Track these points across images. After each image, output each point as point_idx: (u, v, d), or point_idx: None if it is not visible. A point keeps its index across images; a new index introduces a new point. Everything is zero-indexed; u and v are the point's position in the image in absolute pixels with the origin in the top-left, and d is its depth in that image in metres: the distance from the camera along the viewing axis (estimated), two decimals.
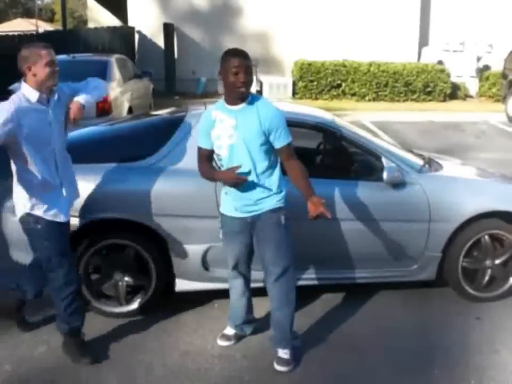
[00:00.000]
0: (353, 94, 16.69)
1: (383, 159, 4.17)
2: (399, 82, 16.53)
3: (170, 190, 4.01)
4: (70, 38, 14.85)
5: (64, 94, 3.53)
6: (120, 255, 4.06)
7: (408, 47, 17.70)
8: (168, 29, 17.06)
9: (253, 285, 3.80)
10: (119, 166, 4.05)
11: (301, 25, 17.27)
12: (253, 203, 3.43)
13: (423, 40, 18.38)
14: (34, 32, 17.18)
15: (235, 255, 3.63)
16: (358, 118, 12.77)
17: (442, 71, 16.69)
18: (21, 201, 3.42)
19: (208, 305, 4.35)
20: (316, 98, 16.63)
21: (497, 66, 16.52)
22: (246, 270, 3.70)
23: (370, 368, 3.61)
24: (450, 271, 4.38)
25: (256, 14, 17.58)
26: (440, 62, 17.36)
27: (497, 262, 4.41)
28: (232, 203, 3.50)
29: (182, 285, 4.17)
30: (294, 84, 16.88)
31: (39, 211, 3.41)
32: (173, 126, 4.25)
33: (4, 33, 15.12)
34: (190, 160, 3.86)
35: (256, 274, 3.73)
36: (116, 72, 10.64)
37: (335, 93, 16.74)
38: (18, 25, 41.60)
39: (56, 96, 3.44)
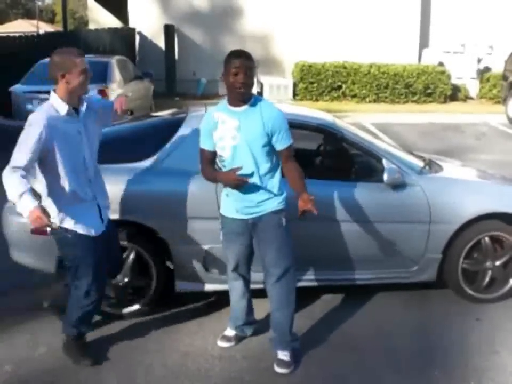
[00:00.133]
0: (354, 96, 16.69)
1: (384, 161, 4.17)
2: (399, 84, 16.52)
3: (170, 191, 4.02)
4: (70, 39, 14.85)
5: (92, 103, 3.49)
6: None
7: (409, 48, 17.69)
8: (169, 30, 17.07)
9: (252, 286, 3.81)
10: (120, 167, 4.06)
11: (302, 26, 17.28)
12: (254, 205, 3.44)
13: (424, 42, 18.38)
14: (35, 33, 17.16)
15: (235, 256, 3.63)
16: (359, 119, 12.77)
17: (443, 72, 16.68)
18: (52, 214, 3.30)
19: (209, 306, 4.35)
20: (317, 100, 16.62)
21: (497, 67, 16.51)
22: (246, 271, 3.71)
23: (370, 369, 3.62)
24: (451, 272, 4.38)
25: (256, 15, 17.58)
26: (440, 64, 17.35)
27: (497, 263, 4.41)
28: (233, 205, 3.50)
29: (182, 286, 4.18)
30: (295, 85, 16.88)
31: (69, 224, 3.36)
32: (173, 127, 4.26)
33: (4, 34, 15.13)
34: (190, 162, 3.86)
35: (256, 275, 3.74)
36: (116, 74, 10.66)
37: (335, 95, 16.73)
38: (19, 26, 41.58)
39: (85, 106, 3.39)
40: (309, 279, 4.27)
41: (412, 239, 4.27)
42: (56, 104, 3.30)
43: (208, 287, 4.21)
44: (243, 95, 3.35)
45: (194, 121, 4.13)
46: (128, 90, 10.49)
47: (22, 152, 3.16)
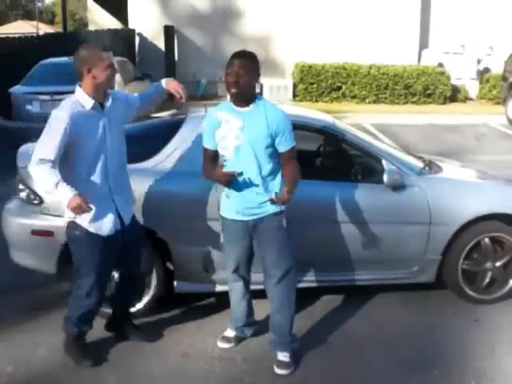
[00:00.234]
0: (354, 97, 16.69)
1: (384, 162, 4.17)
2: (399, 84, 16.52)
3: (170, 192, 4.01)
4: (70, 40, 14.86)
5: (118, 99, 3.45)
6: None
7: (408, 49, 17.70)
8: (169, 31, 17.09)
9: (252, 287, 3.81)
10: None
11: (302, 27, 17.28)
12: (256, 206, 3.43)
13: (423, 43, 18.39)
14: (34, 34, 17.18)
15: (235, 257, 3.63)
16: (358, 120, 12.76)
17: (443, 73, 16.68)
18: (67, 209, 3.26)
19: (208, 307, 4.35)
20: (316, 101, 16.62)
21: (497, 68, 16.52)
22: (246, 272, 3.70)
23: (369, 369, 3.62)
24: (450, 273, 4.38)
25: (256, 16, 17.59)
26: (440, 65, 17.36)
27: (497, 264, 4.41)
28: (233, 206, 3.49)
29: (182, 286, 4.17)
30: (295, 86, 16.89)
31: (82, 221, 3.32)
32: (173, 128, 4.26)
33: (4, 35, 15.14)
34: (190, 162, 3.86)
35: (256, 276, 3.74)
36: (116, 74, 10.65)
37: (335, 96, 16.73)
38: (19, 27, 41.61)
39: (110, 101, 3.36)
40: (308, 280, 4.26)
41: (411, 240, 4.27)
42: (82, 99, 3.26)
43: (208, 287, 4.21)
44: (235, 96, 3.34)
45: (194, 122, 4.13)
46: (128, 91, 10.50)
47: (48, 145, 3.14)
